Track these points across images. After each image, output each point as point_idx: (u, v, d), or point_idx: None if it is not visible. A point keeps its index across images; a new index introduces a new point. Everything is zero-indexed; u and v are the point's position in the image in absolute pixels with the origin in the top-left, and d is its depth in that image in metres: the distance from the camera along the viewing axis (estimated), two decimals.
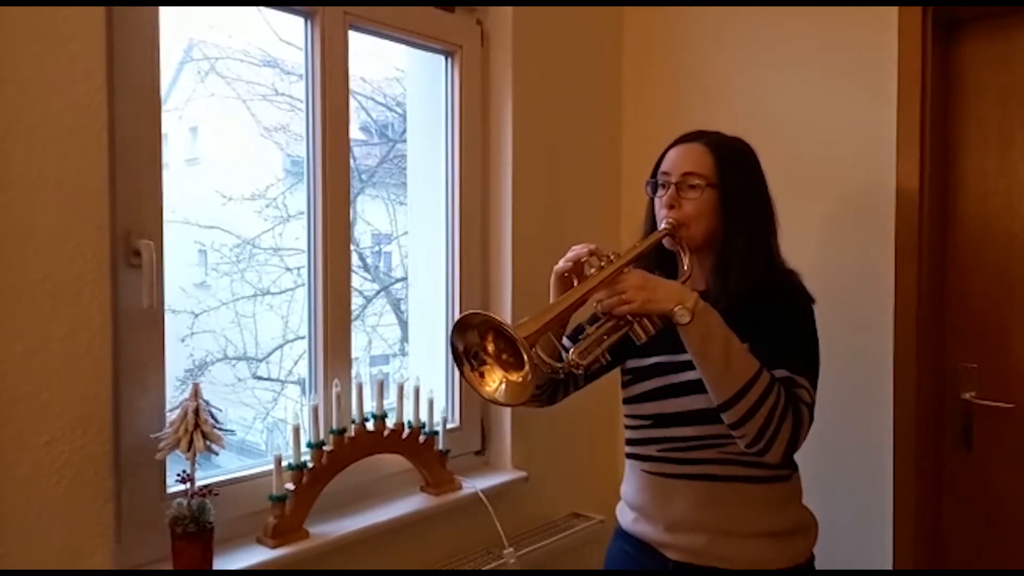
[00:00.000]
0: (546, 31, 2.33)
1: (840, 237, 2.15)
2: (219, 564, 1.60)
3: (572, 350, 1.31)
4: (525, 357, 1.18)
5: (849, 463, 2.11)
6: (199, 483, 1.58)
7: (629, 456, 1.56)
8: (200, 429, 1.54)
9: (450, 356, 2.18)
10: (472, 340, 1.24)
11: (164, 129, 1.62)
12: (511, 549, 2.06)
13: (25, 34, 1.35)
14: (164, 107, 1.64)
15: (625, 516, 1.58)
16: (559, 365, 1.31)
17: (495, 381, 1.25)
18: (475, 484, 2.08)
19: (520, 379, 1.22)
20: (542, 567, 2.18)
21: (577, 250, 1.39)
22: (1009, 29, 1.98)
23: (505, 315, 2.24)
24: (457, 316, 2.18)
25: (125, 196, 1.53)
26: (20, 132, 1.35)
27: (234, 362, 4.73)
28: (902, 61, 2.02)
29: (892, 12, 2.03)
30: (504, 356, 1.24)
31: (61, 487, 1.41)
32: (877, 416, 2.07)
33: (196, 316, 4.63)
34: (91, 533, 1.44)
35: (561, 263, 1.41)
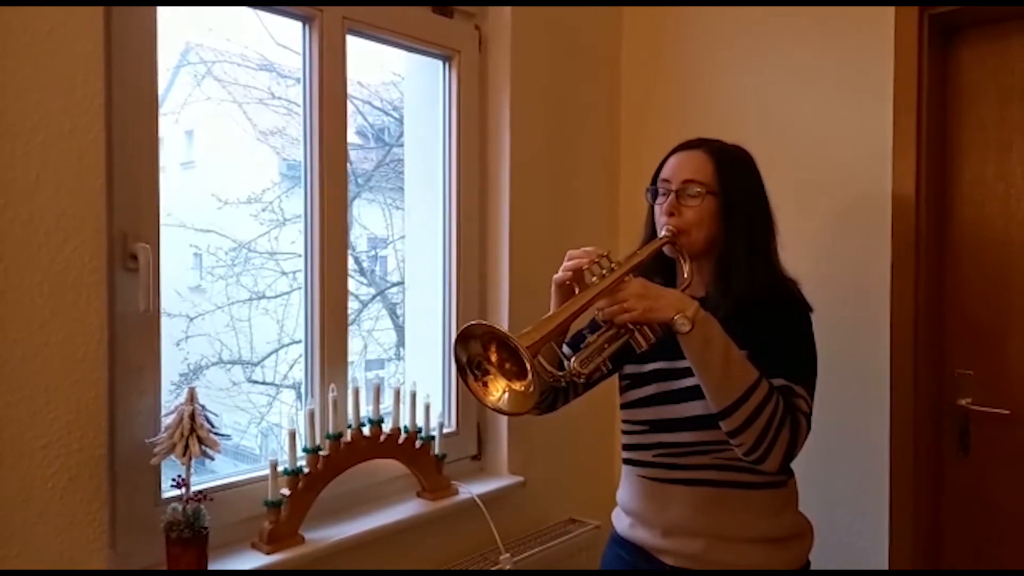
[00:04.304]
0: (544, 36, 2.33)
1: (836, 243, 2.15)
2: (214, 569, 1.59)
3: (574, 359, 1.31)
4: (528, 366, 1.18)
5: (846, 469, 2.11)
6: (194, 488, 1.58)
7: (626, 461, 1.56)
8: (196, 434, 1.53)
9: (447, 361, 2.21)
10: (475, 350, 1.24)
11: (160, 133, 1.61)
12: (507, 555, 2.05)
13: (24, 37, 1.35)
14: (160, 110, 1.63)
15: (621, 521, 1.58)
16: (561, 374, 1.31)
17: (498, 391, 1.25)
18: (471, 489, 2.07)
19: (523, 388, 1.22)
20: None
21: (576, 258, 1.38)
22: (1007, 34, 1.99)
23: (503, 319, 2.24)
24: (455, 321, 2.21)
25: (122, 199, 1.53)
26: (19, 134, 1.35)
27: (229, 366, 4.72)
28: (898, 66, 2.02)
29: (889, 17, 2.03)
30: (507, 366, 1.24)
31: (56, 491, 1.40)
32: (874, 422, 2.07)
33: (191, 320, 4.61)
34: (86, 538, 1.44)
35: (561, 272, 1.40)
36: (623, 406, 1.56)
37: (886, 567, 2.06)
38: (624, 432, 1.56)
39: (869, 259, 2.08)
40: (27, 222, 1.36)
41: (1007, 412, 1.99)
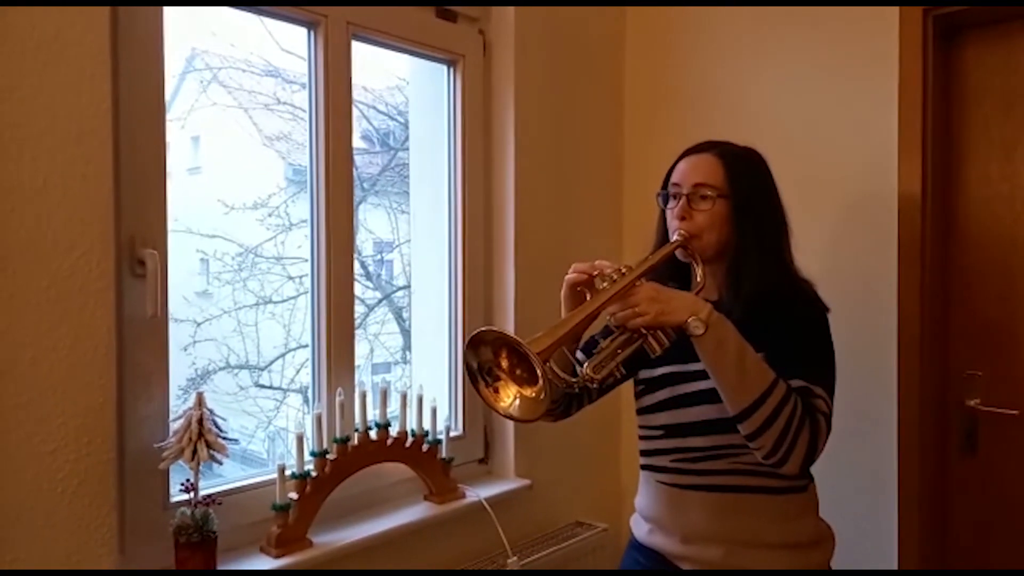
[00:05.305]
0: (548, 40, 2.33)
1: (842, 243, 2.15)
2: (223, 570, 1.60)
3: (586, 365, 1.30)
4: (539, 373, 1.17)
5: (853, 469, 2.11)
6: (202, 492, 1.58)
7: (643, 467, 1.55)
8: (204, 438, 1.54)
9: (453, 364, 2.21)
10: (486, 356, 1.23)
11: (167, 138, 1.62)
12: (515, 557, 2.05)
13: (31, 41, 1.36)
14: (167, 116, 1.64)
15: (640, 528, 1.56)
16: (574, 380, 1.30)
17: (510, 397, 1.23)
18: (478, 492, 2.07)
19: (534, 394, 1.21)
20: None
21: (599, 264, 1.36)
22: (1011, 34, 1.99)
23: (508, 322, 2.24)
24: (461, 324, 2.21)
25: (130, 205, 1.54)
26: (27, 139, 1.36)
27: (236, 371, 4.72)
28: (903, 66, 2.02)
29: (894, 18, 2.03)
30: (518, 372, 1.22)
31: (65, 496, 1.41)
32: (881, 422, 2.06)
33: (198, 325, 4.62)
34: (95, 542, 1.44)
35: (572, 273, 1.38)
36: (638, 411, 1.55)
37: (895, 567, 2.05)
38: (641, 438, 1.55)
39: (875, 259, 2.07)
40: (34, 227, 1.37)
41: (1015, 413, 1.98)
